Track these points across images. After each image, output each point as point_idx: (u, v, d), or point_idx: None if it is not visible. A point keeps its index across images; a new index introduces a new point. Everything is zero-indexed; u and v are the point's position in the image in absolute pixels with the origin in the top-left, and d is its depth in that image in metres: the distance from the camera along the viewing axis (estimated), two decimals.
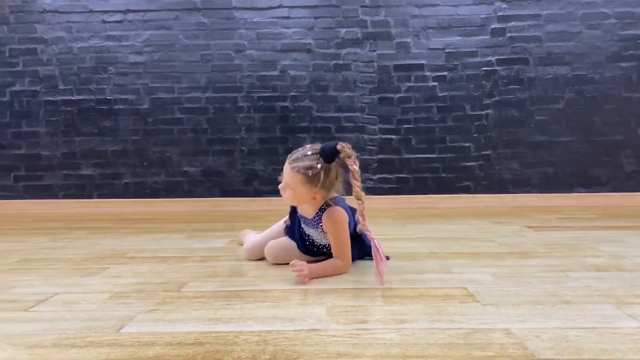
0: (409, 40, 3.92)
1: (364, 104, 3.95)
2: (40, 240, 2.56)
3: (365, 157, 3.95)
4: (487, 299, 1.39)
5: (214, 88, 3.95)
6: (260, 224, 3.01)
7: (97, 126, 3.97)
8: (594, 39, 3.85)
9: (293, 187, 1.68)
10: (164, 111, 3.96)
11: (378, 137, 3.95)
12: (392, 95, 3.94)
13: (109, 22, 3.94)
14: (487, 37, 3.89)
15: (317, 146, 1.68)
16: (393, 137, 3.95)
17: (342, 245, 1.71)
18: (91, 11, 3.93)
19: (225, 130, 3.96)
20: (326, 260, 1.71)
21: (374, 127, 3.94)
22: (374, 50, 3.93)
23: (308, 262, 1.69)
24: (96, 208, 3.94)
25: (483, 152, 3.94)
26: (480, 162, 3.94)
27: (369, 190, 3.92)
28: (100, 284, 1.65)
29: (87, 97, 3.96)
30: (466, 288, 1.50)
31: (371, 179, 3.95)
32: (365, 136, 3.95)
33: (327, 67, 3.94)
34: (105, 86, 3.96)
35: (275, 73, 3.94)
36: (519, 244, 2.23)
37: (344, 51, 3.93)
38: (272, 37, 3.93)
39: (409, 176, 3.96)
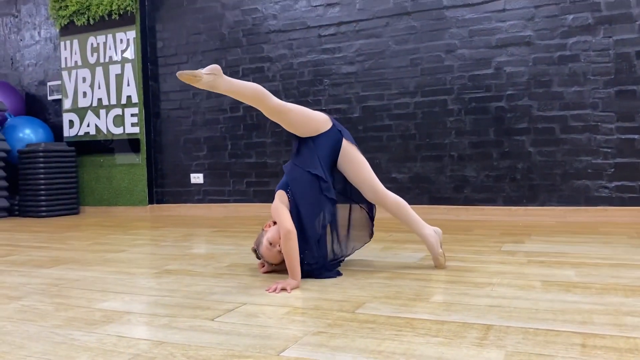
0: None
1: (596, 99, 3.39)
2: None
3: (599, 161, 3.39)
4: None
5: (423, 92, 3.83)
6: (461, 237, 2.80)
7: None
8: None
9: None
10: (373, 118, 3.99)
11: (615, 137, 3.35)
12: (634, 87, 3.31)
13: (324, 35, 4.13)
14: None
15: None
16: (635, 137, 3.31)
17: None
18: (309, 27, 4.17)
19: (434, 135, 3.81)
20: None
21: (610, 125, 3.36)
22: (610, 37, 3.34)
23: None
24: None
25: None
26: None
27: (604, 201, 3.35)
28: (285, 296, 1.68)
29: None
30: None
31: (606, 187, 3.37)
32: (599, 137, 3.38)
33: (551, 59, 3.49)
34: (321, 97, 4.16)
35: (489, 71, 3.64)
36: None
37: (571, 40, 3.44)
38: (486, 32, 3.64)
39: None
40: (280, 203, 1.95)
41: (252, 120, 4.41)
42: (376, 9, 3.96)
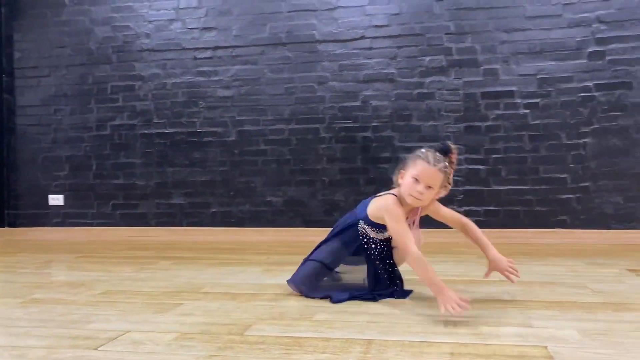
0: (497, 66, 3.75)
1: (449, 133, 3.81)
2: (126, 270, 2.69)
3: (451, 188, 3.78)
4: None
5: (297, 120, 4.00)
6: None
7: (187, 157, 4.15)
8: None
9: (435, 187, 1.86)
10: (249, 143, 4.07)
11: (464, 167, 3.78)
12: (479, 123, 3.77)
13: (200, 58, 4.13)
14: (584, 61, 3.63)
15: (431, 150, 1.87)
16: (481, 167, 3.77)
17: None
18: (184, 48, 4.15)
19: (308, 161, 3.99)
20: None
21: (460, 157, 3.78)
22: (460, 78, 3.80)
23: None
24: (185, 236, 4.09)
25: (581, 184, 3.64)
26: (578, 195, 3.65)
27: None
28: (170, 323, 1.67)
29: (179, 130, 4.16)
30: (546, 348, 1.35)
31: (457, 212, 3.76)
32: None
33: (410, 96, 3.86)
34: (195, 119, 4.14)
35: (357, 104, 3.92)
36: (615, 292, 2.00)
37: (427, 79, 3.84)
38: (355, 68, 3.92)
39: (499, 209, 3.75)
40: (404, 221, 1.87)
41: (120, 139, 4.24)
42: (252, 36, 4.07)
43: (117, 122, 4.24)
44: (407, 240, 1.79)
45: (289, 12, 4.01)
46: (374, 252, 2.00)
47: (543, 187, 3.70)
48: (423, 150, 1.87)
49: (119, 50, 4.24)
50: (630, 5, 3.56)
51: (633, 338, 1.43)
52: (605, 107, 3.61)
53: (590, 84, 3.62)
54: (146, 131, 4.20)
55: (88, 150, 4.29)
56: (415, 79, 3.85)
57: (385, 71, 3.88)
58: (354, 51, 3.93)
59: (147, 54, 4.21)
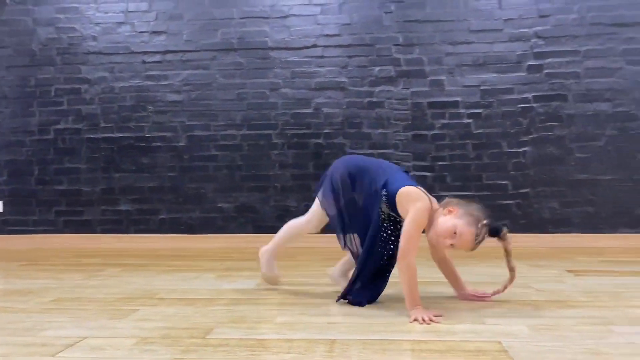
0: (443, 77, 3.91)
1: (397, 141, 3.92)
2: (75, 277, 2.61)
3: None
4: (521, 355, 1.32)
5: (249, 125, 4.01)
6: (291, 263, 2.99)
7: (135, 163, 4.07)
8: (636, 75, 3.74)
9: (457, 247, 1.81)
10: (200, 148, 4.04)
11: (412, 174, 3.90)
12: (426, 132, 3.91)
13: (149, 62, 4.07)
14: (524, 73, 3.84)
15: (486, 225, 1.79)
16: (427, 174, 3.90)
17: None
18: (132, 52, 4.08)
19: (259, 167, 4.00)
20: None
21: (408, 164, 3.90)
22: (408, 88, 3.92)
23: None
24: (132, 243, 4.00)
25: (521, 190, 3.84)
26: (518, 201, 3.84)
27: None
28: (128, 328, 1.65)
29: (126, 134, 4.07)
30: (500, 342, 1.43)
31: None
32: None
33: (361, 104, 3.95)
34: (144, 124, 4.07)
35: (309, 111, 3.97)
36: (558, 291, 2.14)
37: (377, 89, 3.94)
38: (307, 75, 3.98)
39: None
40: (421, 229, 1.82)
41: (64, 144, 4.10)
42: (203, 41, 4.05)
43: (61, 126, 4.10)
44: (413, 246, 1.78)
45: (241, 18, 4.03)
46: (384, 234, 1.92)
47: (485, 193, 3.87)
48: (485, 221, 1.79)
49: (64, 53, 4.11)
50: (565, 22, 3.80)
51: (577, 332, 1.53)
52: (543, 118, 3.82)
53: (529, 95, 3.84)
54: (92, 136, 4.09)
55: (30, 155, 4.12)
56: (365, 88, 3.95)
57: (336, 79, 3.96)
58: (306, 59, 3.98)
59: (93, 56, 4.10)
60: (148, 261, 3.19)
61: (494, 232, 1.83)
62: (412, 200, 1.82)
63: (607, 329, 1.56)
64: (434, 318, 1.65)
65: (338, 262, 2.21)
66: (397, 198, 1.85)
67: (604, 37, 3.78)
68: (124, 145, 4.07)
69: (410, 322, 1.65)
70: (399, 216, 1.88)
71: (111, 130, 4.08)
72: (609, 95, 3.77)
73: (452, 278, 2.06)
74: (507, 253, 1.88)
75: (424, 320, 1.64)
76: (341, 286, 2.08)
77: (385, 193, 1.88)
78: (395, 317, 1.73)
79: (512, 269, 1.90)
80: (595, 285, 2.24)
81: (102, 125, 4.08)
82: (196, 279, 2.52)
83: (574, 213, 3.80)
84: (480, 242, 1.81)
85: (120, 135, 4.08)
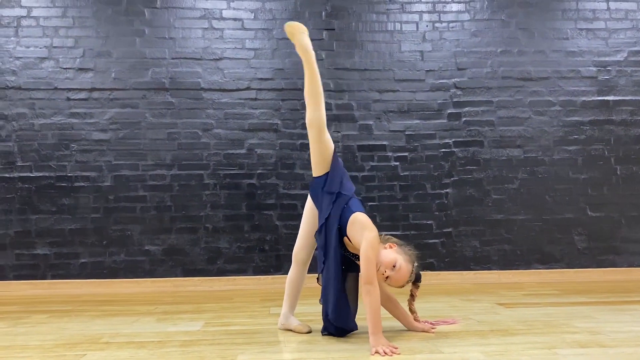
0: (371, 122, 4.10)
1: None
2: None
3: None
4: None
5: (180, 165, 3.94)
6: (227, 305, 2.94)
7: (55, 204, 3.84)
8: (542, 124, 4.15)
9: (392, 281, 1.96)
10: (127, 188, 3.90)
11: None
12: (356, 173, 4.05)
13: (74, 99, 3.92)
14: (445, 120, 4.12)
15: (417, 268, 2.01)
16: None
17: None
18: (56, 88, 3.91)
19: (190, 208, 3.92)
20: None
21: None
22: (339, 132, 4.07)
23: None
24: (50, 289, 3.73)
25: (444, 230, 4.06)
26: (442, 240, 4.05)
27: None
28: None
29: (46, 174, 3.85)
30: None
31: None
32: None
33: (294, 146, 4.03)
34: (66, 163, 3.87)
35: (243, 151, 3.99)
36: (496, 321, 2.27)
37: None
38: (240, 117, 4.01)
39: None
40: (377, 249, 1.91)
41: None
42: (133, 80, 3.98)
43: None
44: (374, 271, 1.87)
45: (173, 59, 4.02)
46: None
47: (412, 232, 4.04)
48: (416, 264, 2.00)
49: None
50: (479, 75, 4.16)
51: (527, 355, 1.65)
52: (463, 162, 4.11)
53: (450, 141, 4.11)
54: (7, 175, 3.82)
55: None
56: (297, 130, 4.04)
57: (269, 121, 4.03)
58: (240, 101, 4.03)
59: (12, 92, 3.88)
60: (74, 307, 2.99)
61: (418, 278, 2.04)
62: (368, 229, 1.93)
63: (552, 352, 1.69)
64: (394, 350, 1.70)
65: (283, 304, 2.21)
66: (351, 220, 1.96)
67: (513, 90, 4.18)
68: (43, 185, 3.84)
69: (372, 354, 1.69)
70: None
71: (29, 169, 3.84)
72: (519, 142, 4.14)
73: (399, 312, 2.14)
74: (414, 297, 2.11)
75: (385, 352, 1.68)
76: (292, 326, 2.11)
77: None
78: (356, 350, 1.76)
79: (414, 312, 2.12)
80: (526, 316, 2.41)
81: (19, 163, 3.84)
82: (136, 323, 2.40)
83: (493, 251, 4.06)
84: (410, 281, 1.97)
85: (40, 174, 3.85)
